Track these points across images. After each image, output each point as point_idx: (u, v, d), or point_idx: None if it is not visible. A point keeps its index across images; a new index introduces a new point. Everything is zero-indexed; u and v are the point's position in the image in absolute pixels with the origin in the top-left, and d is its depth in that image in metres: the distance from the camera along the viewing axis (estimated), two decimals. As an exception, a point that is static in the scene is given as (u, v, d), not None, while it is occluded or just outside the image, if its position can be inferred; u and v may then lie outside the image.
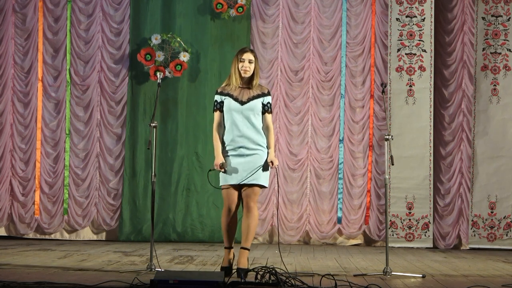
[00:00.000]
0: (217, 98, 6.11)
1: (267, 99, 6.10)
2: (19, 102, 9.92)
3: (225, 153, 6.04)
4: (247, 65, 6.04)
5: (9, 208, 9.84)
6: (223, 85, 6.15)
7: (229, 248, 6.12)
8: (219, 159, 6.00)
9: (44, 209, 9.80)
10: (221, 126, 6.10)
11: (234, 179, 5.97)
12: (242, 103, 6.02)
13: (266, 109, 6.08)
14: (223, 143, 6.06)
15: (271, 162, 6.00)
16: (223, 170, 5.97)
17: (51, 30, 9.93)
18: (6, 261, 6.91)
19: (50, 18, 9.93)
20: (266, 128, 6.09)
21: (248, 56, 6.05)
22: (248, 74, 6.06)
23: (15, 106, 9.91)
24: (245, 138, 5.98)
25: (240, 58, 6.05)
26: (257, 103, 6.04)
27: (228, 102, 6.04)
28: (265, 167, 6.00)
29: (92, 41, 9.90)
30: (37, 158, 9.87)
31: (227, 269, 6.02)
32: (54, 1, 9.94)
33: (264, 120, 6.08)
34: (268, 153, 6.04)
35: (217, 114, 6.11)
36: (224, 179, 6.03)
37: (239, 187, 6.03)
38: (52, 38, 9.92)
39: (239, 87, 6.07)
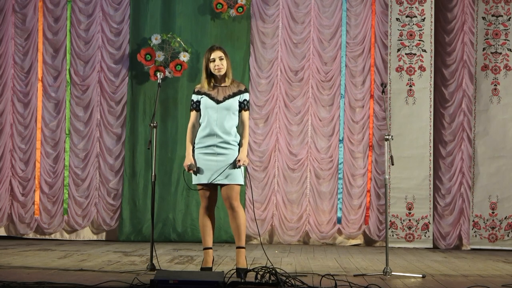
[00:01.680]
0: (194, 97, 6.12)
1: (244, 96, 6.07)
2: (19, 102, 9.92)
3: (198, 151, 6.02)
4: (218, 63, 6.01)
5: (9, 208, 9.84)
6: (200, 84, 6.14)
7: (210, 248, 6.07)
8: (187, 160, 6.01)
9: (44, 209, 9.80)
10: (196, 126, 6.10)
11: (207, 178, 5.96)
12: (218, 102, 6.01)
13: (242, 106, 6.07)
14: (196, 141, 6.04)
15: (239, 160, 5.96)
16: (191, 171, 5.99)
17: (51, 30, 9.93)
18: (6, 261, 6.91)
19: (50, 18, 9.93)
20: (241, 125, 6.08)
21: (217, 54, 6.02)
22: (222, 72, 6.03)
23: (15, 106, 9.90)
24: (218, 137, 5.97)
25: (210, 58, 6.02)
26: (233, 102, 6.03)
27: (205, 101, 6.03)
28: (234, 165, 5.97)
29: (92, 41, 9.90)
30: (37, 158, 9.87)
31: (208, 271, 5.97)
32: (54, 1, 9.94)
33: (240, 117, 6.07)
34: (239, 151, 6.02)
35: (193, 114, 6.12)
36: (197, 178, 6.02)
37: (214, 186, 6.02)
38: (52, 38, 9.92)
39: (216, 85, 6.06)
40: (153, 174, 6.48)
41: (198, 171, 6.00)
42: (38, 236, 9.85)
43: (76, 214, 9.78)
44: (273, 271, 5.39)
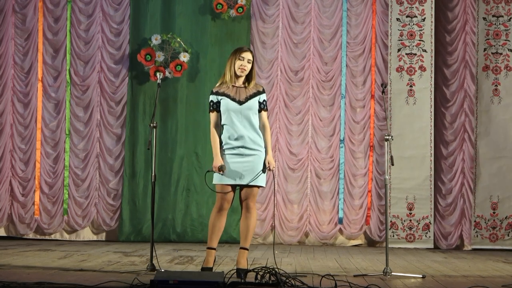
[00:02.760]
0: (213, 98, 6.04)
1: (263, 96, 6.06)
2: (19, 102, 9.91)
3: (223, 152, 5.97)
4: (245, 64, 5.99)
5: (9, 208, 9.83)
6: (218, 84, 6.08)
7: (214, 249, 6.06)
8: (218, 161, 5.93)
9: (44, 210, 9.79)
10: (218, 126, 6.04)
11: (232, 179, 5.92)
12: (241, 103, 5.97)
13: (262, 106, 6.05)
14: (221, 142, 6.00)
15: (269, 164, 5.94)
16: (221, 172, 5.92)
17: (51, 31, 9.92)
18: (6, 262, 6.90)
19: (50, 19, 9.93)
20: (262, 126, 6.05)
21: (247, 55, 6.00)
22: (244, 74, 6.00)
23: (15, 107, 9.90)
24: (245, 138, 5.93)
25: (239, 56, 5.98)
26: (255, 102, 6.01)
27: (226, 103, 5.98)
28: (264, 169, 5.96)
29: (92, 42, 9.89)
30: (37, 158, 9.86)
31: (208, 271, 5.95)
32: (54, 1, 9.94)
33: (260, 118, 6.04)
34: (266, 153, 5.99)
35: (213, 115, 6.04)
36: (220, 178, 5.95)
37: (235, 188, 5.99)
38: (52, 38, 9.91)
39: (234, 86, 6.03)
40: (153, 174, 6.46)
41: (223, 173, 5.95)
42: (38, 237, 9.84)
43: (76, 215, 9.78)
44: (273, 272, 5.38)
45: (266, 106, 6.09)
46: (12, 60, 9.93)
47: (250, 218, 5.97)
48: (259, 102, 6.03)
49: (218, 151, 5.97)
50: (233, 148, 5.94)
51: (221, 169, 5.90)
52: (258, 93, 6.04)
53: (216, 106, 6.03)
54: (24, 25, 9.92)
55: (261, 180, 5.97)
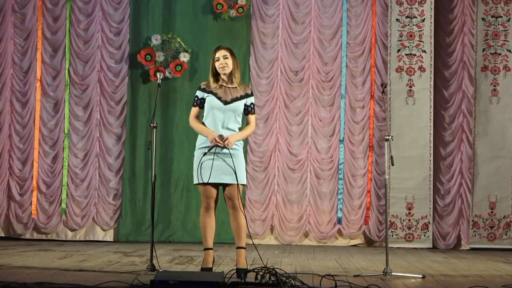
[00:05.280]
0: (199, 94, 6.06)
1: (250, 100, 6.07)
2: (18, 101, 9.90)
3: (202, 151, 6.00)
4: (222, 61, 5.99)
5: (6, 208, 9.82)
6: (207, 82, 6.09)
7: (211, 249, 6.06)
8: (213, 134, 5.88)
9: (42, 209, 9.78)
10: (197, 121, 6.06)
11: (211, 178, 5.93)
12: (226, 103, 5.98)
13: (249, 110, 6.08)
14: (201, 141, 6.02)
15: (227, 138, 5.84)
16: (223, 142, 5.84)
17: (50, 30, 9.92)
18: (6, 262, 6.90)
19: (49, 18, 9.92)
20: (247, 125, 6.08)
21: (221, 53, 6.01)
22: (227, 70, 6.01)
23: (13, 106, 9.89)
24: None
25: (214, 58, 6.02)
26: (240, 105, 6.02)
27: (211, 100, 5.99)
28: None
29: (91, 41, 9.89)
30: (34, 158, 9.85)
31: (208, 271, 5.96)
32: (54, 0, 9.93)
33: (247, 120, 6.09)
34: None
35: (195, 109, 6.06)
36: (200, 177, 5.98)
37: (217, 186, 6.00)
38: (51, 37, 9.91)
39: (223, 86, 6.04)
40: (153, 174, 6.47)
41: (201, 170, 5.94)
42: (36, 236, 9.83)
43: (75, 214, 9.77)
44: (273, 272, 5.39)
45: (254, 110, 6.10)
46: (11, 60, 9.92)
47: (238, 217, 5.99)
48: (245, 105, 6.05)
49: (206, 128, 5.93)
50: (211, 147, 5.94)
51: (221, 138, 5.86)
52: (246, 96, 6.06)
53: (200, 102, 6.05)
54: (23, 24, 9.91)
55: (242, 178, 5.96)
